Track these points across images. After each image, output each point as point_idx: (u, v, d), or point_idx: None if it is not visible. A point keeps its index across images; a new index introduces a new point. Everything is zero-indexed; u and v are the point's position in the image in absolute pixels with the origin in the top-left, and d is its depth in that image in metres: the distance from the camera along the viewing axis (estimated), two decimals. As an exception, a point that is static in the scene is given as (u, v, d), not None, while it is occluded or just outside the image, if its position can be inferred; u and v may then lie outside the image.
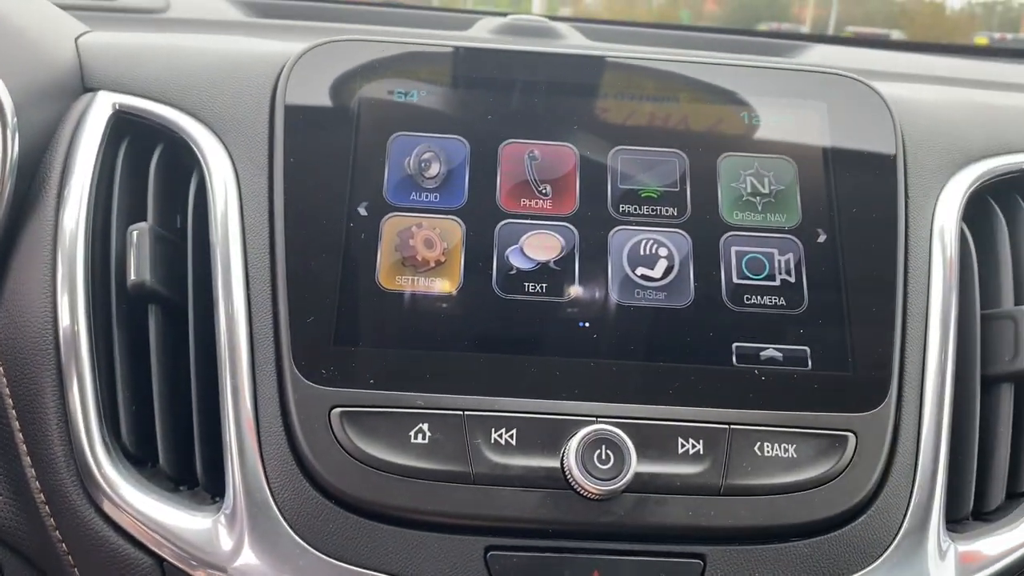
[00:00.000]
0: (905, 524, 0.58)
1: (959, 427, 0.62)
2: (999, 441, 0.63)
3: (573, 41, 1.21)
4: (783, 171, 0.65)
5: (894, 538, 0.58)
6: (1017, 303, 0.66)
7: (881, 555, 0.58)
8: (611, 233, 0.63)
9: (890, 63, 1.25)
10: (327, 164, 0.63)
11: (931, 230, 0.66)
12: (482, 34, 1.23)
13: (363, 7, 1.43)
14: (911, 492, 0.59)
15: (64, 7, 1.04)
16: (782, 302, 0.62)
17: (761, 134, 0.66)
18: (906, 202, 0.66)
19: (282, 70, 0.66)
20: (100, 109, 0.67)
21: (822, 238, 0.64)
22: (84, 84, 0.70)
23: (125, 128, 0.67)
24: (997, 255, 0.68)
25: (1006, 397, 0.64)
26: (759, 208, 0.64)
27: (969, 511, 0.62)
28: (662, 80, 0.68)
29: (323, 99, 0.65)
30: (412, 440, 0.56)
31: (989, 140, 0.71)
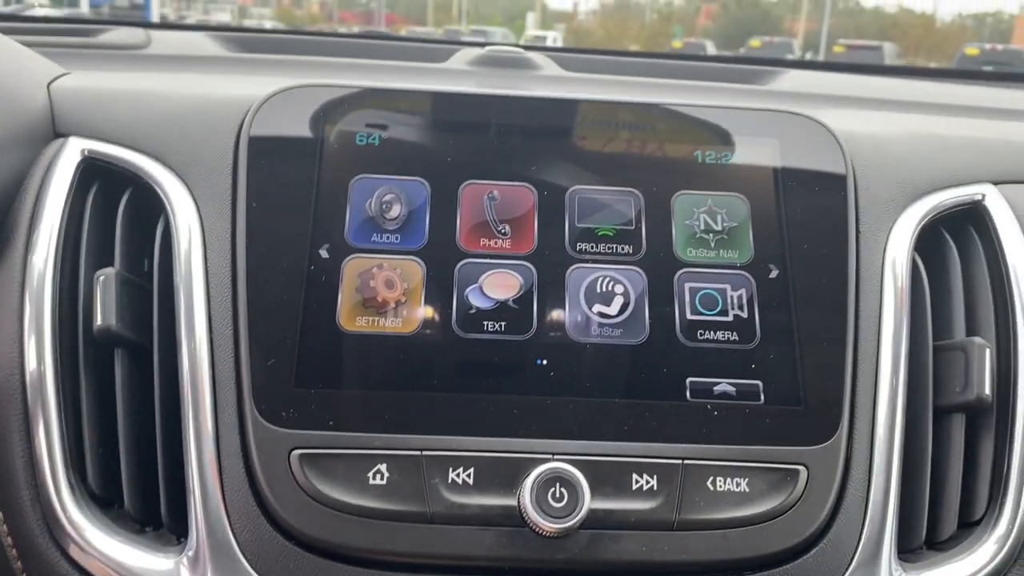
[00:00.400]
0: (857, 556, 0.60)
1: (911, 457, 0.63)
2: (951, 471, 0.64)
3: (549, 71, 1.23)
4: (736, 208, 0.67)
5: (846, 570, 0.59)
6: (968, 334, 0.68)
7: None
8: (568, 271, 0.64)
9: (861, 87, 1.27)
10: (289, 207, 0.64)
11: (883, 263, 0.67)
12: (459, 66, 1.25)
13: (344, 40, 1.45)
14: (863, 524, 0.60)
15: (44, 44, 1.06)
16: (735, 337, 0.63)
17: (714, 172, 0.68)
18: (857, 236, 0.67)
19: (247, 114, 0.68)
20: (70, 155, 0.68)
21: (774, 273, 0.65)
22: (55, 130, 0.71)
23: (94, 173, 0.68)
24: (949, 286, 0.69)
25: (957, 427, 0.65)
26: (712, 245, 0.66)
27: (922, 541, 0.63)
28: (619, 120, 0.70)
29: (286, 143, 0.66)
30: (371, 481, 0.57)
31: (940, 172, 0.72)
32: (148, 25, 1.31)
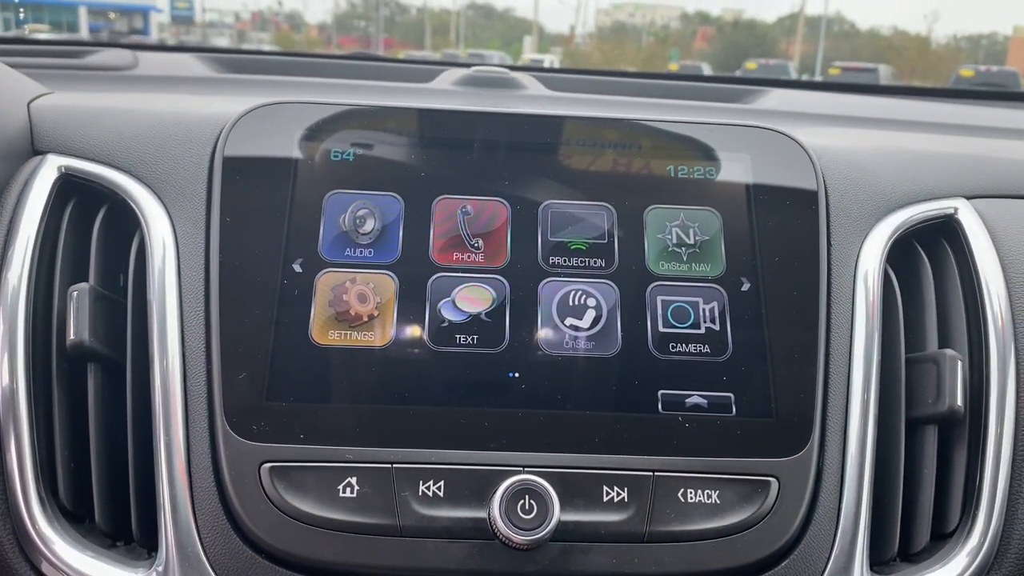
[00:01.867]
0: (829, 568, 0.59)
1: (884, 469, 0.64)
2: (924, 482, 0.64)
3: (533, 91, 1.24)
4: (708, 222, 0.67)
5: None
6: (941, 346, 0.68)
7: None
8: (541, 284, 0.65)
9: (845, 106, 1.28)
10: (263, 222, 0.65)
11: (855, 275, 0.68)
12: (444, 86, 1.26)
13: (332, 61, 1.47)
14: (835, 536, 0.60)
15: (33, 66, 1.07)
16: (707, 349, 0.63)
17: (687, 187, 0.69)
18: (829, 249, 0.68)
19: (222, 131, 0.68)
20: (47, 172, 0.69)
21: (746, 286, 0.65)
22: (34, 147, 0.72)
23: (71, 190, 0.69)
24: (922, 299, 0.70)
25: (930, 439, 0.65)
26: (684, 258, 0.66)
27: (895, 553, 0.63)
28: (592, 136, 0.70)
29: (260, 159, 0.67)
30: (341, 494, 0.57)
31: (911, 186, 0.73)
32: (136, 47, 1.32)
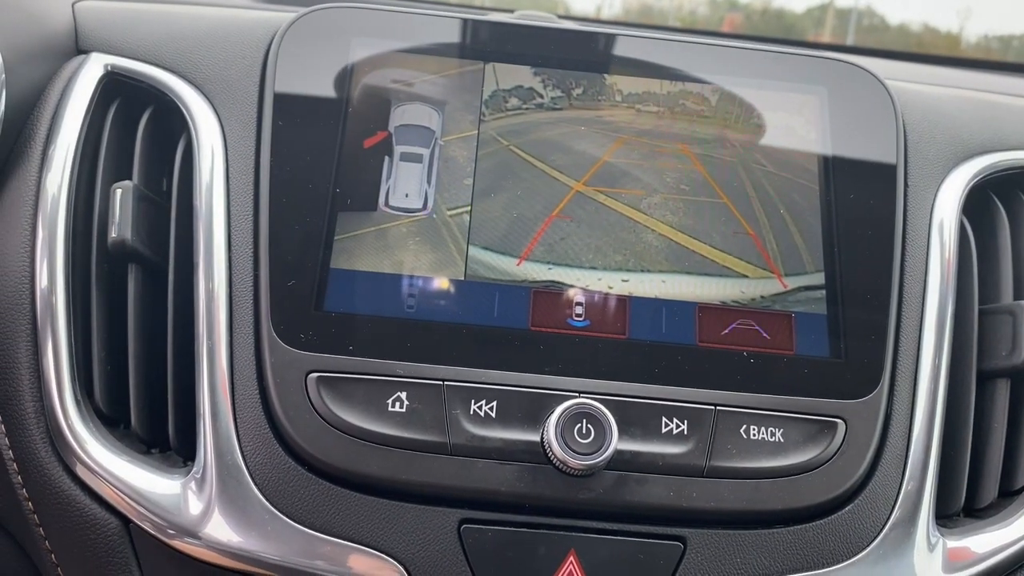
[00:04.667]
0: (893, 516, 0.57)
1: (953, 422, 0.61)
2: (993, 437, 0.61)
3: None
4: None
5: (881, 529, 0.56)
6: (1016, 298, 0.65)
7: (867, 546, 0.56)
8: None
9: (900, 71, 1.24)
10: (317, 127, 0.62)
11: (930, 222, 0.64)
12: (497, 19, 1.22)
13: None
14: (900, 484, 0.57)
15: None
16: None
17: (759, 118, 0.65)
18: (905, 192, 0.65)
19: (276, 33, 0.65)
20: (91, 70, 0.66)
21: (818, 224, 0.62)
22: (78, 46, 0.69)
23: (116, 90, 0.66)
24: (997, 250, 0.67)
25: (1002, 393, 0.62)
26: None
27: (960, 507, 0.60)
28: (660, 59, 0.67)
29: (315, 65, 0.64)
30: (389, 408, 0.55)
31: (991, 135, 0.70)
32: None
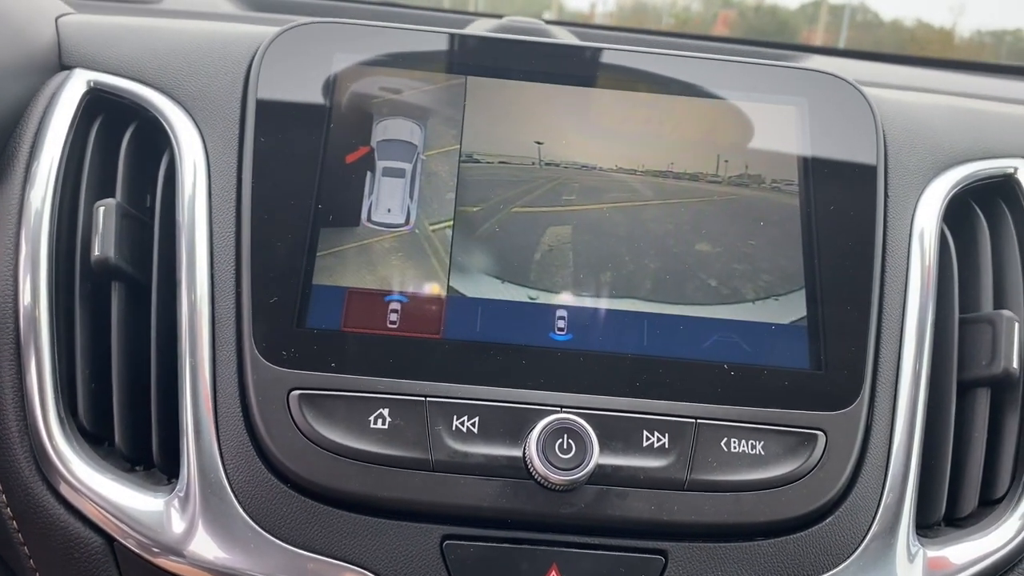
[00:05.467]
0: (874, 527, 0.57)
1: (933, 431, 0.61)
2: (974, 446, 0.62)
3: (568, 41, 1.21)
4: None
5: (861, 541, 0.57)
6: (996, 307, 0.65)
7: (847, 558, 0.56)
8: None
9: (888, 75, 1.25)
10: (299, 144, 0.62)
11: (911, 231, 0.65)
12: (477, 32, 1.22)
13: (358, 4, 1.43)
14: (881, 495, 0.58)
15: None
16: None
17: (739, 129, 0.66)
18: (885, 201, 0.65)
19: (258, 49, 0.66)
20: (75, 86, 0.66)
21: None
22: (61, 62, 0.69)
23: (99, 106, 0.66)
24: (977, 259, 0.67)
25: (982, 402, 0.63)
26: None
27: (941, 517, 0.61)
28: (640, 73, 0.67)
29: (297, 81, 0.64)
30: (372, 425, 0.55)
31: (972, 144, 0.70)
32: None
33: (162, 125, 0.64)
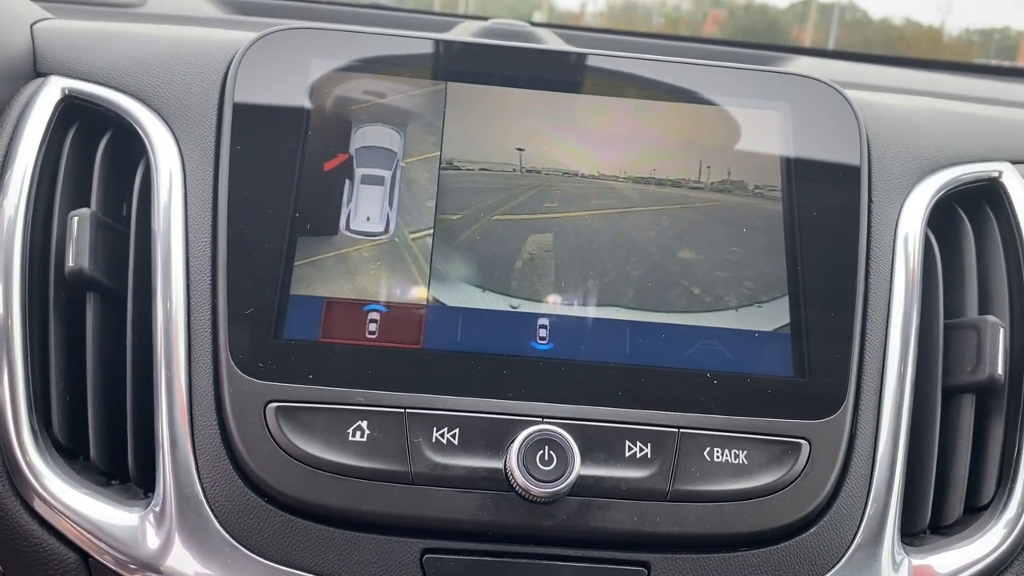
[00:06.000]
0: (858, 537, 0.57)
1: (918, 439, 0.61)
2: (959, 454, 0.61)
3: (553, 45, 1.20)
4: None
5: (846, 550, 0.56)
6: (981, 312, 0.65)
7: (832, 567, 0.56)
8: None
9: (874, 76, 1.24)
10: (276, 152, 0.61)
11: (895, 236, 0.64)
12: (460, 36, 1.22)
13: (343, 8, 1.42)
14: (865, 504, 0.57)
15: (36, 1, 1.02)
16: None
17: (723, 134, 0.65)
18: (869, 207, 0.64)
19: (234, 56, 0.65)
20: (49, 94, 0.65)
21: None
22: (36, 69, 0.68)
23: (74, 113, 0.65)
24: (962, 264, 0.67)
25: (967, 408, 0.62)
26: None
27: (926, 525, 0.60)
28: (622, 78, 0.66)
29: (274, 87, 0.63)
30: (350, 438, 0.54)
31: (956, 147, 0.70)
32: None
33: (138, 133, 0.63)
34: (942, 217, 0.68)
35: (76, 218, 0.59)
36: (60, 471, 0.56)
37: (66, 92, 0.65)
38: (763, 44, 1.36)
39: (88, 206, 0.61)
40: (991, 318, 0.62)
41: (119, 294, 0.60)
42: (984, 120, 0.75)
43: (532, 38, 1.19)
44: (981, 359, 0.62)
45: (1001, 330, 0.62)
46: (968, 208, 0.69)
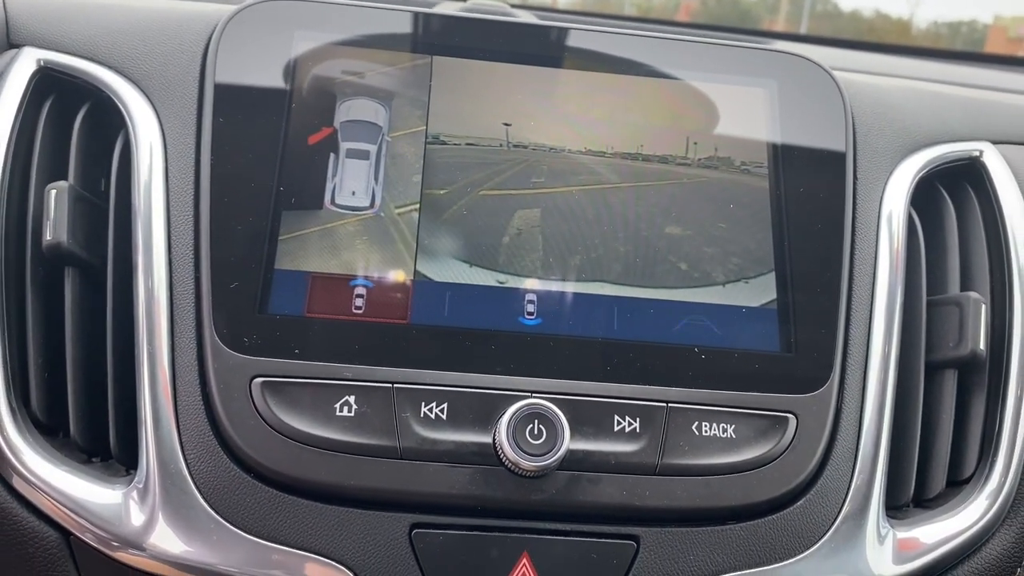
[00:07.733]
0: (844, 509, 0.57)
1: (902, 413, 0.61)
2: (941, 428, 0.62)
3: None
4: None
5: (832, 523, 0.57)
6: (963, 289, 0.66)
7: (819, 540, 0.56)
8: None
9: (852, 61, 1.25)
10: (258, 124, 0.60)
11: (879, 214, 0.65)
12: (446, 11, 1.21)
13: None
14: (851, 477, 0.58)
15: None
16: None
17: (708, 111, 0.65)
18: (855, 184, 0.65)
19: (215, 27, 0.63)
20: (23, 66, 0.63)
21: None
22: (9, 40, 0.66)
23: (50, 86, 0.64)
24: (944, 241, 0.67)
25: (949, 383, 0.63)
26: None
27: (910, 498, 0.61)
28: (610, 54, 0.66)
29: (257, 59, 0.62)
30: (337, 413, 0.54)
31: (938, 127, 0.70)
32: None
33: (116, 105, 0.62)
34: (924, 195, 0.69)
35: (54, 191, 0.58)
36: (39, 448, 0.55)
37: (41, 64, 0.63)
38: (742, 28, 1.36)
39: (66, 179, 0.60)
40: (973, 294, 0.63)
41: (98, 269, 0.59)
42: (964, 101, 0.75)
43: (511, 17, 1.18)
44: (963, 335, 0.62)
45: (983, 306, 0.63)
46: (949, 187, 0.70)
